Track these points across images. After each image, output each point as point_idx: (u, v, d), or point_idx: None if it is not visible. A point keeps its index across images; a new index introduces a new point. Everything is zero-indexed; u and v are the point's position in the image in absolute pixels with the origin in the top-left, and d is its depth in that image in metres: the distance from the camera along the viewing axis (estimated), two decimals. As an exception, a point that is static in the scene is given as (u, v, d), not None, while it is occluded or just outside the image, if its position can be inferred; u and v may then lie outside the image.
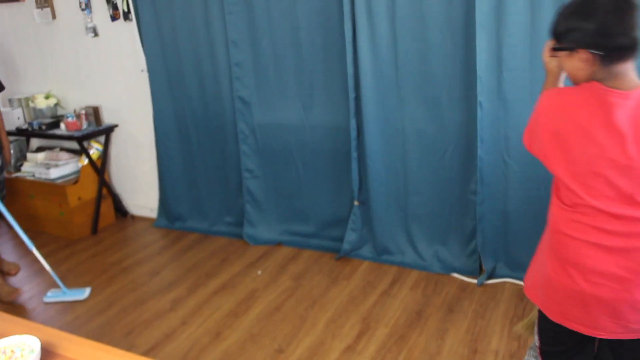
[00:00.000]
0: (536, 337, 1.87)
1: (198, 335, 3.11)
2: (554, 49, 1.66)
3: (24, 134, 4.77)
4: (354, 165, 3.66)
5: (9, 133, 4.81)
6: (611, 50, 1.51)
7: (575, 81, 1.65)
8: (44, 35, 4.71)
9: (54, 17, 4.57)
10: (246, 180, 4.11)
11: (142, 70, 4.30)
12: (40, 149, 4.88)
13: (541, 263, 1.77)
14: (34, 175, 4.56)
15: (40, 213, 4.60)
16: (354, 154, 3.63)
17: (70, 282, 3.76)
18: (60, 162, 4.53)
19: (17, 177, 4.62)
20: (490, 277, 3.44)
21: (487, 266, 3.46)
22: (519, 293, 3.30)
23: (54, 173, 4.44)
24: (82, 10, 4.38)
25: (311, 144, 3.85)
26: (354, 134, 3.58)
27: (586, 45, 1.53)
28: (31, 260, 4.14)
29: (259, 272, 3.76)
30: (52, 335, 1.68)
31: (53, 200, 4.46)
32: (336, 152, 3.79)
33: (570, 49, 1.58)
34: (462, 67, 3.21)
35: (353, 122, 3.56)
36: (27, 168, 4.66)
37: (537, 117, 1.68)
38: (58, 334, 1.69)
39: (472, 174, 3.36)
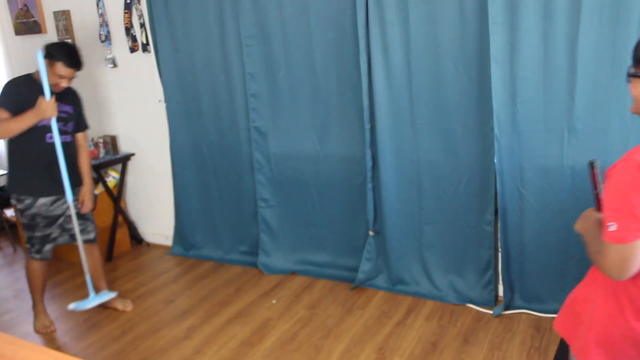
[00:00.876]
0: None
1: (213, 364, 3.11)
2: (632, 75, 1.52)
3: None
4: (370, 195, 3.67)
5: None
6: None
7: None
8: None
9: (74, 48, 4.68)
10: (261, 210, 4.13)
11: (160, 101, 4.38)
12: (58, 177, 4.93)
13: (614, 331, 1.63)
14: (51, 203, 4.61)
15: (57, 240, 4.64)
16: (369, 185, 3.65)
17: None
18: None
19: (35, 205, 4.68)
20: (506, 308, 3.42)
21: (503, 297, 3.44)
22: (535, 324, 3.28)
23: (72, 201, 4.49)
24: (102, 42, 4.49)
25: (326, 174, 3.88)
26: (369, 164, 3.61)
27: None
28: (47, 286, 4.17)
29: (274, 302, 3.76)
30: (72, 362, 1.70)
31: (70, 227, 4.49)
32: (350, 183, 3.82)
33: None
34: (476, 99, 3.24)
35: (368, 153, 3.59)
36: (45, 195, 4.72)
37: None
38: (77, 361, 1.71)
39: (487, 204, 3.36)
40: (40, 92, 3.15)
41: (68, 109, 3.35)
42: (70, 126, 3.38)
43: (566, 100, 2.99)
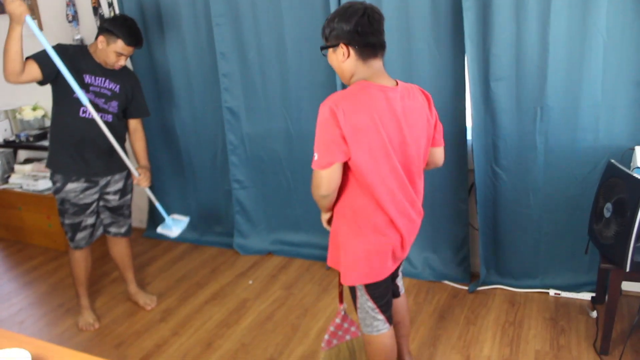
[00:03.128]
0: (370, 305, 2.26)
1: (189, 345, 3.10)
2: (322, 48, 2.09)
3: (11, 145, 4.74)
4: (344, 174, 3.66)
5: (-4, 145, 4.80)
6: (364, 46, 2.00)
7: (343, 75, 2.08)
8: (30, 47, 4.65)
9: (40, 29, 4.55)
10: (236, 191, 4.11)
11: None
12: (27, 161, 4.84)
13: (357, 247, 2.14)
14: (21, 187, 4.53)
15: (28, 225, 4.57)
16: (344, 163, 3.64)
17: (59, 294, 3.75)
18: (48, 174, 4.49)
19: (4, 189, 4.59)
20: (481, 284, 3.46)
21: (479, 273, 3.48)
22: (510, 299, 3.32)
23: (42, 184, 4.42)
24: (69, 22, 4.37)
25: (300, 152, 3.85)
26: (343, 143, 3.59)
27: (346, 40, 1.99)
28: (19, 272, 4.12)
29: (250, 282, 3.75)
30: (43, 348, 1.66)
31: (41, 211, 4.43)
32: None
33: (334, 45, 2.02)
34: (449, 77, 3.23)
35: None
36: (14, 180, 4.63)
37: (335, 127, 1.92)
38: (48, 346, 1.68)
39: (461, 182, 3.38)
40: (89, 66, 3.00)
41: (113, 87, 3.10)
42: (112, 106, 3.11)
43: (538, 78, 3.01)
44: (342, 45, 2.00)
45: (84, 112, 3.01)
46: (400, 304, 2.56)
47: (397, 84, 2.08)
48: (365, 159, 1.97)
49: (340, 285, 2.46)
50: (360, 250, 2.14)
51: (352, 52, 2.01)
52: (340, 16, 1.99)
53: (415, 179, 2.17)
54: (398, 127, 2.02)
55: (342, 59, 2.03)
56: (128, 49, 3.00)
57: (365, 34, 1.99)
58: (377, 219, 2.10)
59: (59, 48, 2.93)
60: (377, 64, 2.06)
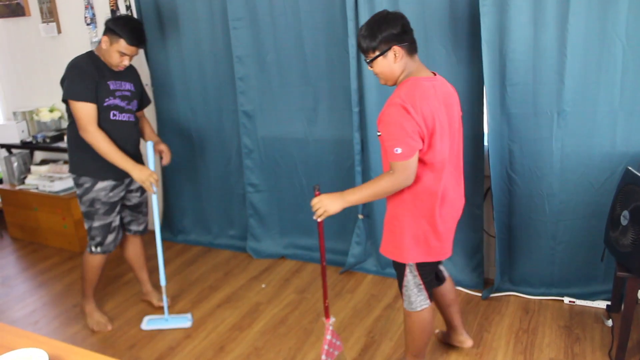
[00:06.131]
0: (418, 281, 2.46)
1: (202, 348, 3.10)
2: (372, 59, 2.27)
3: (28, 147, 4.78)
4: (358, 179, 3.66)
5: (13, 146, 4.84)
6: (411, 42, 2.27)
7: (392, 75, 2.30)
8: (49, 49, 4.74)
9: (59, 31, 4.60)
10: (250, 195, 4.11)
11: (146, 85, 4.31)
12: (44, 162, 4.89)
13: (417, 229, 2.36)
14: (37, 188, 4.57)
15: (44, 225, 4.61)
16: (358, 168, 3.64)
17: (73, 295, 3.76)
18: (63, 175, 4.53)
19: (20, 190, 4.63)
20: (494, 290, 3.44)
21: (492, 279, 3.46)
22: (524, 306, 3.29)
23: (58, 186, 4.45)
24: (87, 25, 4.41)
25: (315, 157, 3.86)
26: (357, 147, 3.59)
27: (396, 42, 2.22)
28: (34, 273, 4.15)
29: (263, 286, 3.75)
30: (59, 348, 1.68)
31: (56, 212, 4.46)
32: (340, 166, 3.80)
33: (386, 50, 2.23)
34: (466, 82, 3.22)
35: (357, 136, 3.57)
36: (31, 181, 4.67)
37: (410, 120, 2.15)
38: (65, 346, 1.69)
39: (476, 187, 3.36)
40: (108, 73, 3.04)
41: (130, 86, 3.16)
42: (134, 104, 3.19)
43: (556, 83, 2.98)
44: (393, 48, 2.23)
45: (114, 115, 3.08)
46: (449, 285, 2.78)
47: (434, 74, 2.34)
48: (433, 142, 2.22)
49: (326, 300, 2.60)
50: (420, 232, 2.36)
51: (403, 51, 2.25)
52: (384, 24, 2.22)
53: (460, 158, 2.45)
54: (446, 110, 2.28)
55: (395, 59, 2.25)
56: (131, 49, 3.00)
57: (410, 32, 2.28)
58: (433, 202, 2.32)
59: (79, 71, 2.99)
60: (417, 57, 2.33)
